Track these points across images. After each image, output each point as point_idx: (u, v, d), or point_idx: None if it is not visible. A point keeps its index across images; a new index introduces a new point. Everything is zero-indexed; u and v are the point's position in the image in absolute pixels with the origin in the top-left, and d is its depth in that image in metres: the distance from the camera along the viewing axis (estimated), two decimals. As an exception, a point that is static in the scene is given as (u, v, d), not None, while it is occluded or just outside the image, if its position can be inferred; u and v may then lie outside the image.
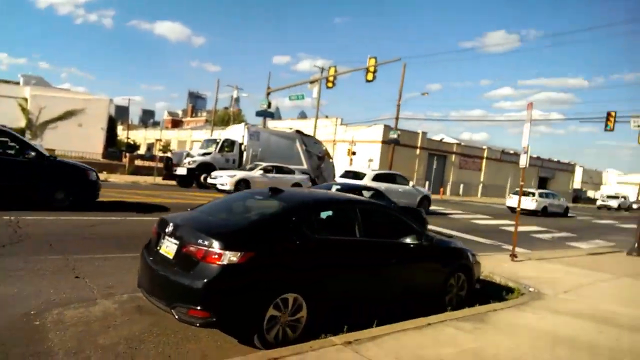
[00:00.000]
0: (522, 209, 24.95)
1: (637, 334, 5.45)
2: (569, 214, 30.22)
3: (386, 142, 37.59)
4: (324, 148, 25.93)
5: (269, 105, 29.75)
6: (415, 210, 13.59)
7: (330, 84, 24.30)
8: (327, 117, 44.28)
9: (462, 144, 49.47)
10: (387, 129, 38.47)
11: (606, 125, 22.88)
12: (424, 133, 43.24)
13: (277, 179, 20.17)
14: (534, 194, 27.41)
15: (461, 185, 46.38)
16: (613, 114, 22.78)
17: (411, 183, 20.84)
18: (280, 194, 5.04)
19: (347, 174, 19.94)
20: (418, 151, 42.36)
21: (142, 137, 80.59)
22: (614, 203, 50.79)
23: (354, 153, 36.38)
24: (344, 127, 42.66)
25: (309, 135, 26.43)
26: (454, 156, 46.44)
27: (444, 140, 49.94)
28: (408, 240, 5.43)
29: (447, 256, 6.00)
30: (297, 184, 20.95)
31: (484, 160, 49.57)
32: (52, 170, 10.10)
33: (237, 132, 24.06)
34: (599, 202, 52.71)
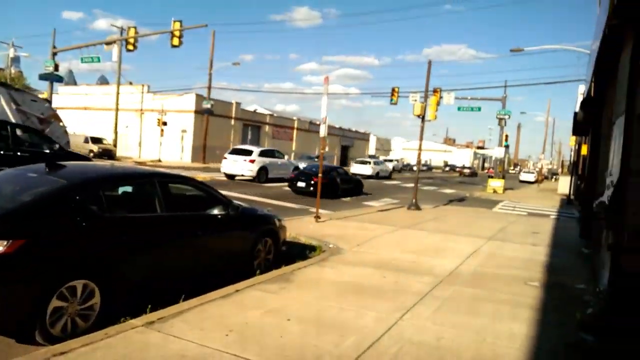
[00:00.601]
0: (362, 174, 30.46)
1: (411, 275, 6.54)
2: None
3: (199, 112, 36.42)
4: (47, 107, 19.50)
5: (56, 67, 25.56)
6: (358, 180, 21.13)
7: (131, 47, 22.08)
8: (131, 83, 40.45)
9: (275, 115, 51.19)
10: (199, 98, 37.21)
11: (391, 99, 26.40)
12: (238, 103, 43.23)
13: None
14: (369, 162, 36.39)
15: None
16: (397, 89, 26.39)
17: (286, 157, 24.91)
18: (60, 169, 4.40)
19: (235, 151, 22.10)
20: (233, 122, 42.23)
21: None
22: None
23: (164, 123, 34.31)
24: (151, 95, 39.63)
25: (23, 91, 20.58)
26: (267, 127, 47.78)
27: (257, 111, 50.84)
28: (215, 211, 5.40)
29: (253, 223, 6.17)
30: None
31: (295, 131, 52.33)
32: (68, 158, 11.36)
33: None
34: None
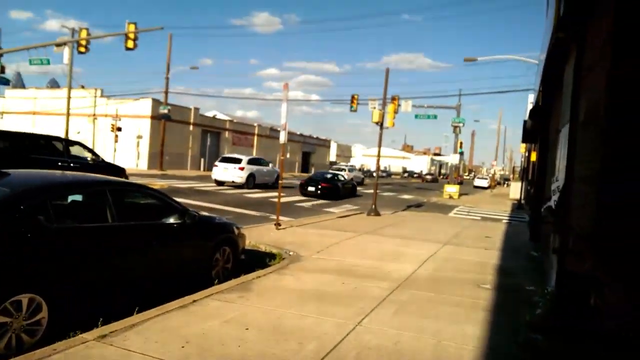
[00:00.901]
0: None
1: (370, 280, 6.61)
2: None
3: (156, 117, 35.47)
4: None
5: (2, 69, 24.27)
6: (354, 185, 26.36)
7: (83, 49, 21.24)
8: (83, 87, 38.93)
9: (235, 121, 50.65)
10: (156, 103, 36.27)
11: (351, 106, 26.70)
12: (197, 109, 42.46)
13: None
14: (345, 169, 38.28)
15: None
16: (356, 96, 26.70)
17: (271, 164, 26.78)
18: (4, 177, 4.17)
19: (225, 159, 23.83)
20: (191, 127, 41.41)
21: None
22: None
23: (119, 129, 33.23)
24: (105, 100, 38.30)
25: None
26: (227, 133, 47.16)
27: (217, 117, 50.14)
28: (171, 220, 5.27)
29: (211, 232, 6.06)
30: None
31: (256, 137, 51.95)
32: (108, 168, 14.56)
33: None
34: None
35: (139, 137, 35.72)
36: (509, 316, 5.38)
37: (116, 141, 33.55)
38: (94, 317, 4.21)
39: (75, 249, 4.10)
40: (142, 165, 36.07)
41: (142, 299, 4.80)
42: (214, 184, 24.07)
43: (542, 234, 9.79)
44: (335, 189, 23.09)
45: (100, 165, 14.06)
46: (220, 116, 51.84)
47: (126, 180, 5.68)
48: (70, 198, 4.81)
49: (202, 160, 42.35)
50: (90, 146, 37.74)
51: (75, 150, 13.96)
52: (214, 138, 45.24)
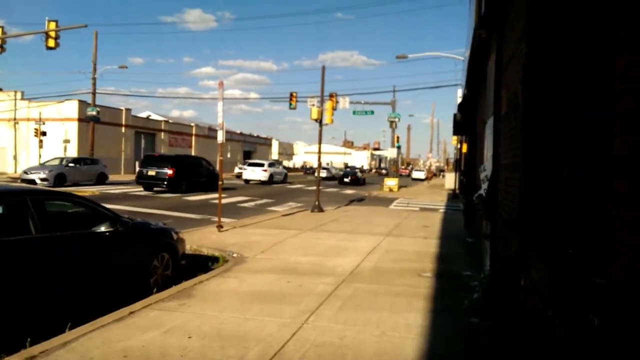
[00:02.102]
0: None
1: (315, 277, 6.64)
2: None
3: (84, 120, 33.51)
4: None
5: None
6: (363, 178, 38.23)
7: (-2, 49, 19.63)
8: (1, 89, 35.97)
9: (170, 121, 48.99)
10: (83, 105, 34.25)
11: (290, 104, 26.73)
12: (128, 110, 40.59)
13: None
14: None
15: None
16: (295, 94, 26.78)
17: (281, 166, 37.53)
18: None
19: (252, 164, 34.05)
20: (123, 129, 39.52)
21: None
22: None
23: (43, 133, 31.05)
24: (26, 103, 35.63)
25: None
26: (163, 134, 45.51)
27: (151, 118, 48.24)
28: (102, 228, 5.00)
29: (147, 238, 5.82)
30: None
31: (194, 137, 50.56)
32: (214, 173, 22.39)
33: None
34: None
35: (66, 141, 33.56)
36: (449, 302, 5.61)
37: (41, 147, 31.32)
38: (21, 336, 3.90)
39: (-6, 265, 3.78)
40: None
41: (75, 314, 4.51)
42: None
43: (475, 221, 10.31)
44: (357, 180, 38.41)
45: (213, 174, 18.08)
46: (154, 117, 49.91)
47: (50, 189, 5.29)
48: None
49: (137, 163, 40.53)
50: (12, 153, 35.16)
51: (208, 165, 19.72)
52: (148, 140, 43.48)
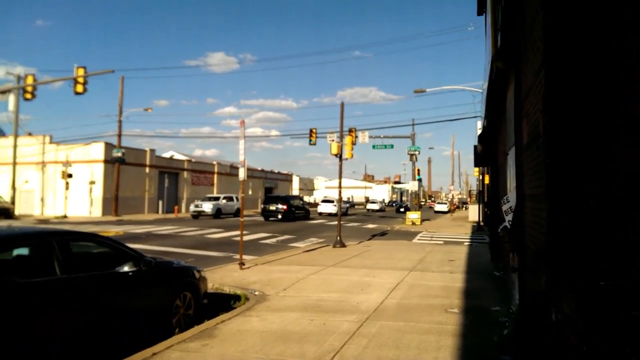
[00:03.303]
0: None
1: (338, 314, 6.51)
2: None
3: (109, 161, 34.50)
4: None
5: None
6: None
7: (29, 95, 20.59)
8: (30, 134, 37.49)
9: (193, 160, 50.01)
10: (109, 146, 35.34)
11: (310, 140, 27.05)
12: (152, 150, 41.68)
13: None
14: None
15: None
16: (315, 130, 27.14)
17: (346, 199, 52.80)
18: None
19: (325, 201, 45.07)
20: (147, 169, 40.48)
21: None
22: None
23: (70, 175, 32.03)
24: (54, 146, 36.98)
25: None
26: (185, 173, 46.40)
27: (174, 157, 49.38)
28: (125, 268, 5.04)
29: (170, 278, 5.83)
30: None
31: (216, 175, 51.36)
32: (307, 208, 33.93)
33: None
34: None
35: (92, 182, 34.52)
36: (478, 339, 5.40)
37: (67, 188, 32.27)
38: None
39: (19, 305, 3.82)
40: (96, 212, 34.68)
41: (97, 355, 4.50)
42: (173, 227, 23.46)
43: (502, 253, 10.03)
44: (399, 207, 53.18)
45: (306, 209, 21.66)
46: (177, 156, 51.10)
47: (75, 230, 5.40)
48: (16, 252, 4.52)
49: (160, 202, 41.28)
50: (39, 195, 36.29)
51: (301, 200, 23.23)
52: (172, 179, 44.36)
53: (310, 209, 38.01)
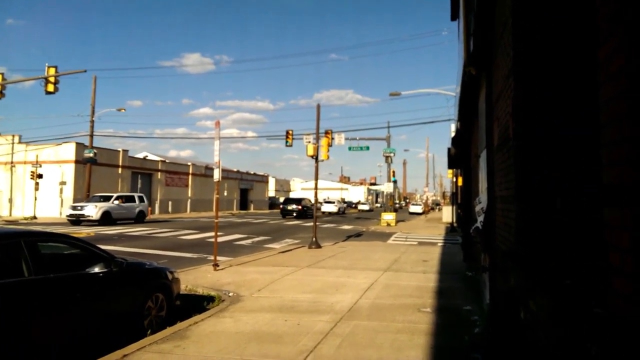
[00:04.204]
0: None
1: (313, 315, 6.52)
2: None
3: (81, 161, 33.63)
4: None
5: None
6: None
7: (-2, 94, 19.94)
8: (-1, 134, 36.26)
9: (167, 161, 49.21)
10: (80, 147, 34.45)
11: (286, 141, 27.00)
12: (125, 151, 40.83)
13: None
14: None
15: (170, 203, 46.03)
16: (291, 132, 27.09)
17: (336, 200, 58.45)
18: None
19: (326, 202, 54.43)
20: (120, 170, 39.62)
21: None
22: None
23: (40, 176, 31.10)
24: (24, 146, 35.84)
25: None
26: (159, 174, 45.61)
27: (148, 158, 48.48)
28: (96, 269, 4.93)
29: (142, 279, 5.74)
30: None
31: (190, 176, 50.66)
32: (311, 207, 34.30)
33: None
34: None
35: (63, 183, 33.59)
36: (450, 338, 5.50)
37: (37, 189, 31.30)
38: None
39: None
40: (67, 212, 33.70)
41: (66, 357, 4.39)
42: (146, 228, 23.03)
43: (474, 254, 10.24)
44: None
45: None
46: (151, 157, 50.17)
47: (44, 231, 5.25)
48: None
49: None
50: (7, 196, 35.08)
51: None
52: (145, 180, 43.53)
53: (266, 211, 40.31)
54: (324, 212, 49.15)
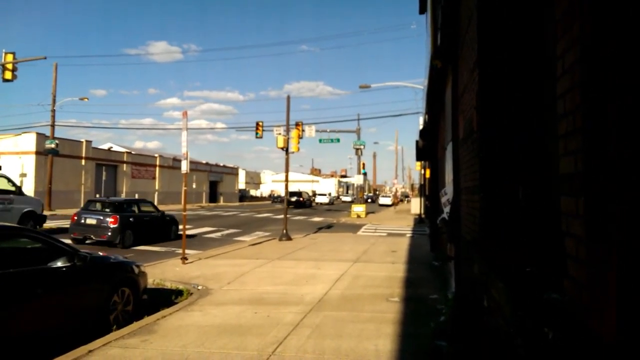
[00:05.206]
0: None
1: (283, 306, 6.54)
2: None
3: (42, 153, 32.36)
4: None
5: None
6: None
7: (-52, 82, 18.89)
8: (-50, 123, 34.42)
9: (133, 152, 47.97)
10: (41, 137, 33.13)
11: (256, 133, 26.74)
12: (89, 142, 39.54)
13: None
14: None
15: (136, 195, 44.96)
16: (261, 123, 26.84)
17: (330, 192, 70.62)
18: None
19: (320, 194, 66.26)
20: (83, 162, 38.36)
21: None
22: None
23: (-3, 168, 29.70)
24: (-21, 137, 34.20)
25: None
26: (125, 165, 44.43)
27: (112, 149, 47.12)
28: (59, 263, 4.78)
29: (107, 273, 5.60)
30: None
31: (158, 168, 49.58)
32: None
33: None
34: None
35: (23, 175, 32.21)
36: (416, 326, 5.62)
37: (-6, 182, 29.92)
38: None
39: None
40: None
41: (29, 354, 4.25)
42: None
43: (440, 244, 10.47)
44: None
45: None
46: (116, 148, 48.79)
47: (4, 224, 5.03)
48: None
49: (97, 196, 39.26)
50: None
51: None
52: (110, 172, 42.32)
53: (257, 202, 39.95)
54: (317, 203, 58.47)
